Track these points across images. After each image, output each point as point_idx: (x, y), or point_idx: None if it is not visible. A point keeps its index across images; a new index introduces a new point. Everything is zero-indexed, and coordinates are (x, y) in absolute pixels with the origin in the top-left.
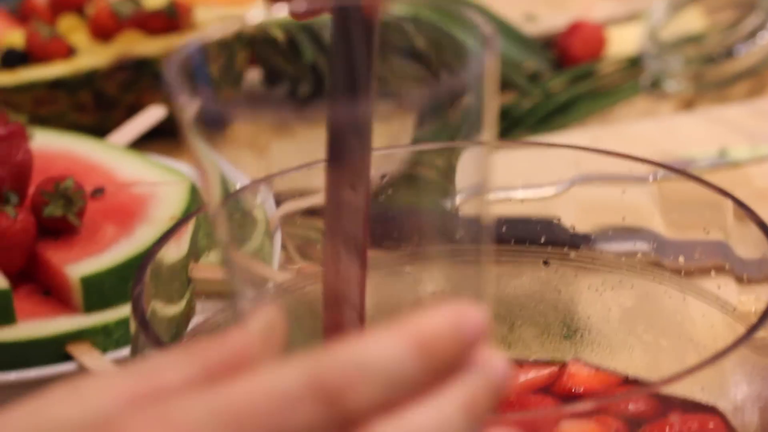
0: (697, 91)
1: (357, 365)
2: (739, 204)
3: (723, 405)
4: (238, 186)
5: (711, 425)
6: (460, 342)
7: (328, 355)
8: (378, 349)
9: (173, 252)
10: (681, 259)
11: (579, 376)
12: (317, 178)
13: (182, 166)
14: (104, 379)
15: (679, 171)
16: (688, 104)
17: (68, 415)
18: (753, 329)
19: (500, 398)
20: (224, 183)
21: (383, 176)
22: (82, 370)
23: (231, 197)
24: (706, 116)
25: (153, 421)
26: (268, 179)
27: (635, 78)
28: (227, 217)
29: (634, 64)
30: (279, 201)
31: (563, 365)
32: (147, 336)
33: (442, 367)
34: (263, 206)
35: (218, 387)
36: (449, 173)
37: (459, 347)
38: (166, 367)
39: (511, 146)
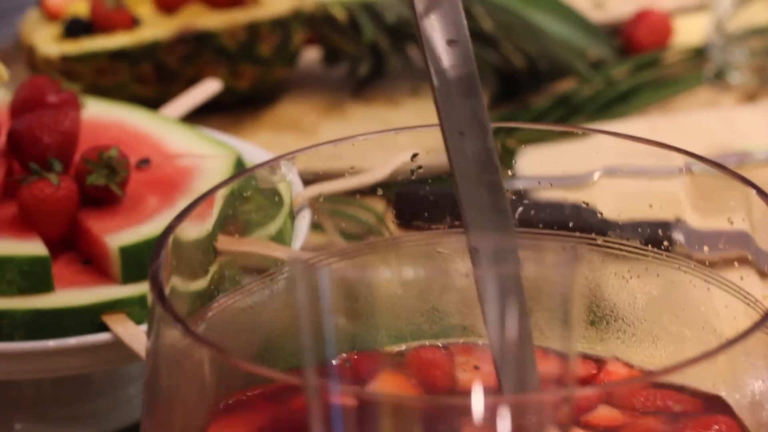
0: (761, 83)
1: None
2: (760, 192)
3: (740, 398)
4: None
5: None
6: None
7: None
8: None
9: (198, 224)
10: (706, 248)
11: (616, 374)
12: (350, 155)
13: (233, 140)
14: None
15: (706, 160)
16: (750, 97)
17: None
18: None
19: None
20: (241, 167)
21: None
22: (116, 340)
23: (248, 173)
24: (767, 109)
25: None
26: (291, 155)
27: (699, 68)
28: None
29: (699, 54)
30: (310, 181)
31: (602, 363)
32: (164, 308)
33: None
34: (285, 184)
35: None
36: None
37: None
38: None
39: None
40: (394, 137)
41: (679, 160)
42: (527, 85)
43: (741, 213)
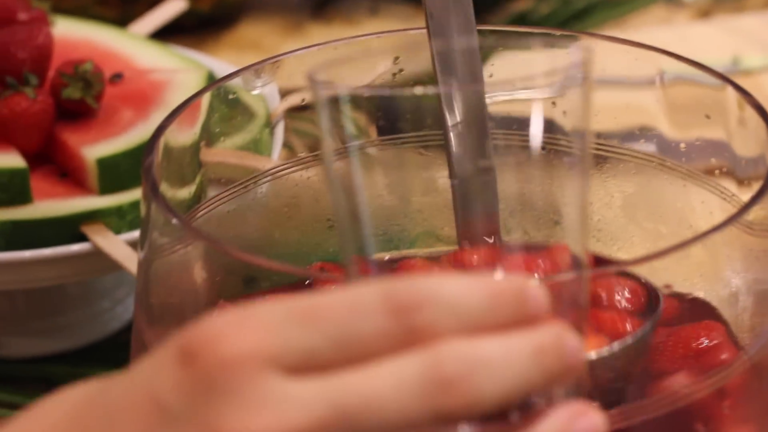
0: (714, 0)
1: (430, 291)
2: (739, 90)
3: (719, 291)
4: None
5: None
6: (527, 305)
7: (406, 280)
8: (452, 284)
9: (185, 130)
10: (683, 142)
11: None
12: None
13: (200, 57)
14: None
15: (684, 59)
16: (704, 13)
17: None
18: (748, 205)
19: (570, 371)
20: (212, 80)
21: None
22: (95, 249)
23: (232, 77)
24: (721, 25)
25: (236, 316)
26: (276, 60)
27: None
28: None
29: None
30: (284, 94)
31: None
32: (158, 203)
33: (510, 318)
34: (263, 95)
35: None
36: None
37: (525, 309)
38: None
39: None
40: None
41: (653, 68)
42: (485, 4)
43: (720, 122)
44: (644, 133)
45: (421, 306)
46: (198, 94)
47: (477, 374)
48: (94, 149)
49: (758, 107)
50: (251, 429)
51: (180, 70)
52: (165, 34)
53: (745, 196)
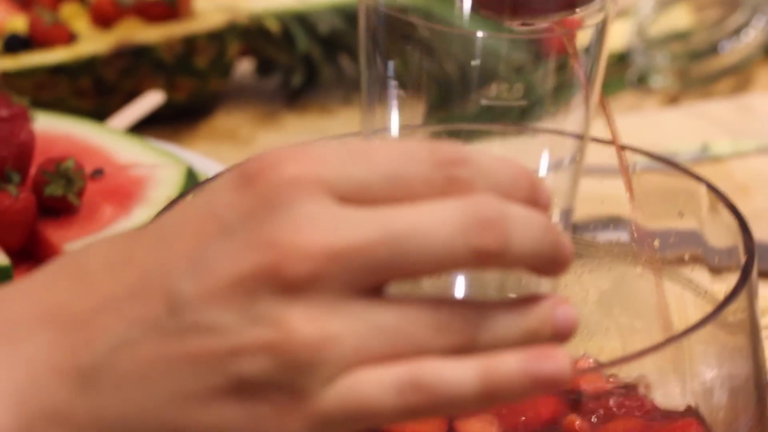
0: (683, 86)
1: (471, 154)
2: (712, 188)
3: (694, 387)
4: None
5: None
6: (538, 193)
7: (451, 143)
8: (487, 155)
9: None
10: (657, 241)
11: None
12: None
13: (179, 150)
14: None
15: (658, 157)
16: (673, 100)
17: None
18: (721, 306)
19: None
20: (192, 176)
21: None
22: None
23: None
24: (690, 111)
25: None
26: None
27: (622, 73)
28: None
29: (622, 59)
30: None
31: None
32: None
33: (525, 196)
34: None
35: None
36: None
37: (536, 195)
38: None
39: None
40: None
41: (629, 158)
42: (458, 93)
43: (690, 208)
44: (618, 223)
45: (464, 163)
46: (176, 201)
47: (508, 222)
48: (77, 246)
49: (729, 205)
50: (304, 242)
51: (159, 165)
52: (141, 124)
53: (718, 286)
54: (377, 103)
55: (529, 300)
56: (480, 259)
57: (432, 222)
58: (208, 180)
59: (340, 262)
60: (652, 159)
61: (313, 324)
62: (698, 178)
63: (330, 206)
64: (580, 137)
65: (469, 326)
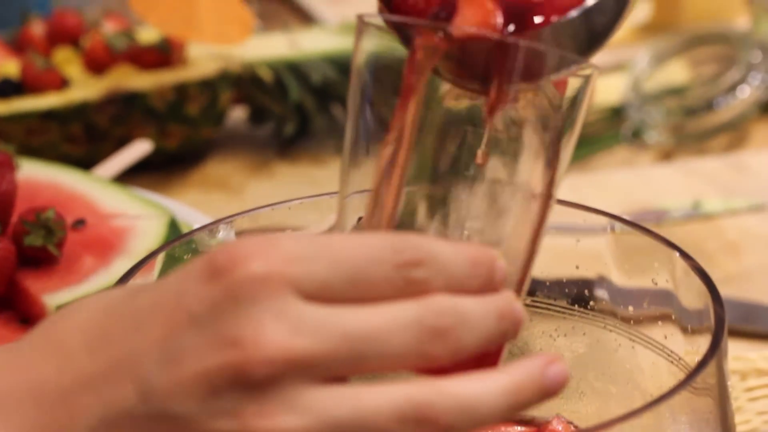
0: (677, 142)
1: (429, 252)
2: (683, 254)
3: None
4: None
5: None
6: (494, 275)
7: (412, 238)
8: (445, 248)
9: (145, 278)
10: (631, 307)
11: None
12: (283, 218)
13: (164, 200)
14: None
15: (631, 223)
16: (667, 155)
17: None
18: (692, 375)
19: (517, 332)
20: (175, 227)
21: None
22: None
23: (186, 237)
24: (682, 168)
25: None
26: (229, 219)
27: (617, 127)
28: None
29: (617, 113)
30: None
31: (546, 423)
32: None
33: (482, 284)
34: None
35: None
36: None
37: (493, 278)
38: None
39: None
40: (328, 201)
41: (603, 220)
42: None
43: (664, 272)
44: (594, 281)
45: (423, 263)
46: (144, 261)
47: (460, 329)
48: (56, 297)
49: (699, 270)
50: (266, 343)
51: (142, 216)
52: (132, 171)
53: (690, 347)
54: (362, 157)
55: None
56: (432, 362)
57: (389, 328)
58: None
59: (300, 366)
60: (625, 224)
61: (269, 420)
62: (671, 245)
63: (294, 305)
64: (545, 199)
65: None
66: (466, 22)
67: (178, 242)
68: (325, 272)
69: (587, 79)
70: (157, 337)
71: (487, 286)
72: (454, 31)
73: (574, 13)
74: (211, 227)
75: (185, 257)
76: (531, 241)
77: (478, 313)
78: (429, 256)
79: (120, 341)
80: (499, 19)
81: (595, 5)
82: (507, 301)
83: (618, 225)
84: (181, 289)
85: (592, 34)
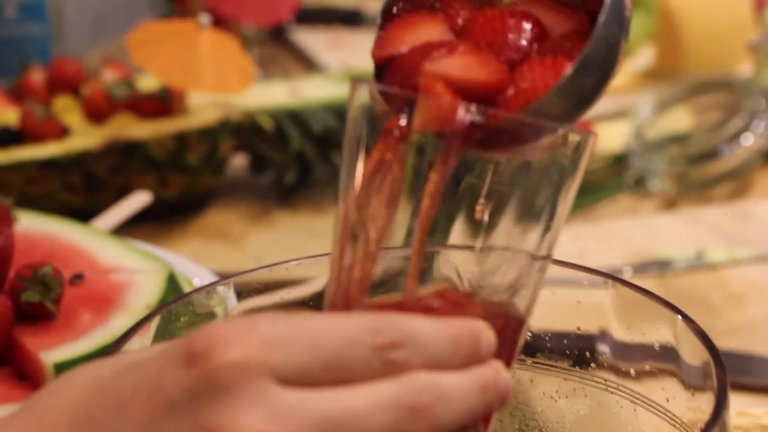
0: (680, 190)
1: (407, 333)
2: (684, 317)
3: None
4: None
5: None
6: (479, 349)
7: (389, 319)
8: (424, 328)
9: (135, 342)
10: (633, 368)
11: None
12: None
13: (163, 253)
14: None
15: (630, 284)
16: (670, 204)
17: None
18: None
19: (503, 402)
20: (173, 282)
21: None
22: None
23: (182, 299)
24: (686, 217)
25: (241, 326)
26: (227, 281)
27: (619, 175)
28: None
29: (619, 161)
30: (242, 295)
31: None
32: None
33: (465, 360)
34: (221, 307)
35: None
36: None
37: (478, 352)
38: None
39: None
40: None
41: (606, 280)
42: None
43: (666, 333)
44: (595, 338)
45: (402, 344)
46: (141, 323)
47: (439, 406)
48: (52, 354)
49: (701, 333)
50: (245, 427)
51: (141, 271)
52: (131, 220)
53: (693, 403)
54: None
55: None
56: None
57: (367, 410)
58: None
59: None
60: (626, 286)
61: None
62: (673, 308)
63: (272, 391)
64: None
65: None
66: (424, 122)
67: (174, 305)
68: (302, 357)
69: (578, 145)
70: (137, 421)
71: (472, 360)
72: (414, 125)
73: (543, 96)
74: (208, 288)
75: (182, 319)
76: (528, 302)
77: (458, 388)
78: (408, 337)
79: (102, 423)
80: (461, 113)
81: (568, 82)
82: (492, 372)
83: (620, 285)
84: (161, 372)
85: (577, 99)
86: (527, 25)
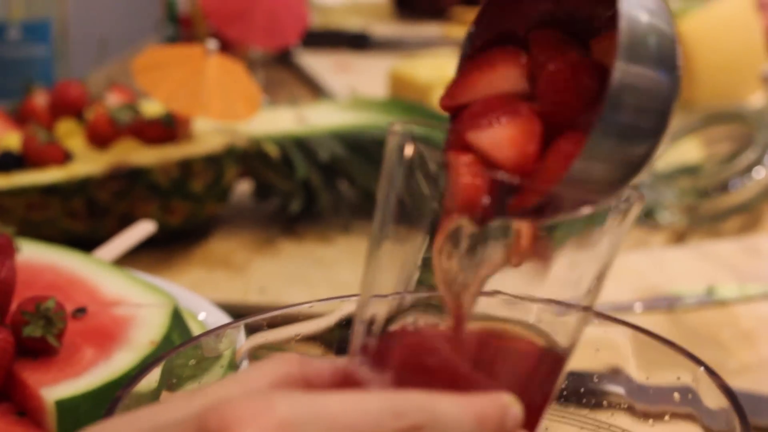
0: (690, 223)
1: (430, 415)
2: (707, 368)
3: None
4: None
5: None
6: (506, 425)
7: (411, 398)
8: (447, 407)
9: (146, 385)
10: (650, 411)
11: None
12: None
13: (166, 284)
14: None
15: (652, 334)
16: (680, 237)
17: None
18: None
19: None
20: (178, 317)
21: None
22: None
23: (191, 342)
24: (696, 251)
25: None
26: (236, 324)
27: None
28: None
29: None
30: (250, 330)
31: None
32: None
33: None
34: (230, 347)
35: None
36: None
37: (504, 428)
38: None
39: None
40: (338, 304)
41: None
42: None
43: (688, 370)
44: (612, 375)
45: (423, 428)
46: (149, 367)
47: None
48: (54, 390)
49: (725, 387)
50: None
51: (144, 305)
52: (134, 247)
53: None
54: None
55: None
56: None
57: None
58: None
59: None
60: (652, 338)
61: None
62: (697, 360)
63: None
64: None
65: None
66: (455, 202)
67: (182, 348)
68: None
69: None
70: None
71: None
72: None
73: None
74: (217, 332)
75: (190, 362)
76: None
77: None
78: (431, 419)
79: None
80: (485, 200)
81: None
82: None
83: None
84: None
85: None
86: (591, 83)
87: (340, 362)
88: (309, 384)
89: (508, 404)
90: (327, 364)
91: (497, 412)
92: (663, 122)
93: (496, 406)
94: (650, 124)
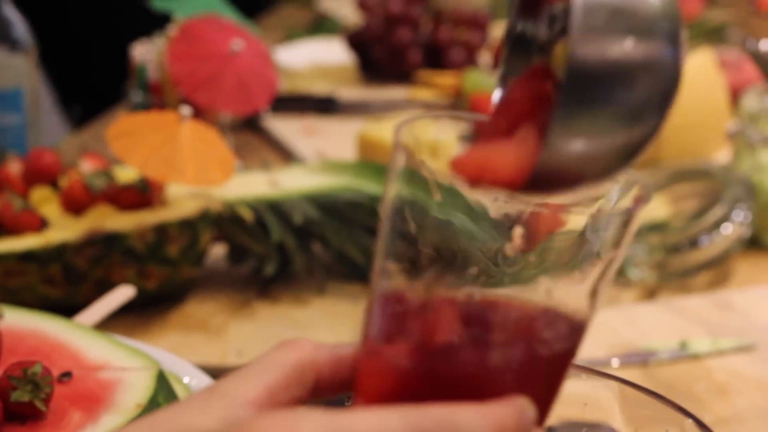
0: (660, 280)
1: (451, 426)
2: (696, 420)
3: None
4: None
5: None
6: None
7: (428, 413)
8: (466, 418)
9: None
10: None
11: None
12: None
13: (148, 348)
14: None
15: (640, 387)
16: (650, 293)
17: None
18: None
19: None
20: (163, 379)
21: None
22: None
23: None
24: (667, 306)
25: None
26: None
27: None
28: None
29: None
30: None
31: None
32: None
33: None
34: None
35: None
36: None
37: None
38: None
39: None
40: None
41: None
42: None
43: (675, 423)
44: (600, 430)
45: None
46: None
47: None
48: None
49: None
50: None
51: (129, 368)
52: (113, 314)
53: None
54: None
55: None
56: None
57: None
58: None
59: None
60: (640, 391)
61: None
62: (685, 412)
63: None
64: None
65: None
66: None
67: None
68: None
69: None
70: None
71: None
72: None
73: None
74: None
75: None
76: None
77: None
78: (449, 427)
79: None
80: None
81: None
82: None
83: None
84: None
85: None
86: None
87: (352, 348)
88: (320, 371)
89: (523, 407)
90: (339, 350)
91: (515, 420)
92: (635, 93)
93: (513, 413)
94: (620, 95)
